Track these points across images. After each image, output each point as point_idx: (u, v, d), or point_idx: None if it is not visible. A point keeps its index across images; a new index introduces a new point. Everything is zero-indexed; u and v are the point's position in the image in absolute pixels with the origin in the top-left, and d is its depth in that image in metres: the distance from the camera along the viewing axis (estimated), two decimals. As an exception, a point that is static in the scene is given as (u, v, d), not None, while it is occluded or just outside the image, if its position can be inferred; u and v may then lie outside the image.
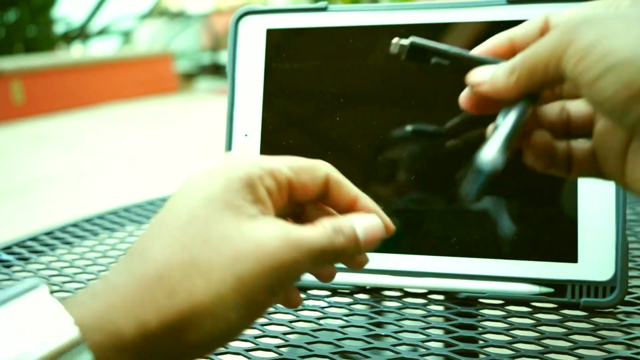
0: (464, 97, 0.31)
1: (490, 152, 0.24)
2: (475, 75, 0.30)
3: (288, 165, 0.29)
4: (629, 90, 0.22)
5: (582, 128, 0.30)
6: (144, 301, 0.23)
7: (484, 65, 0.30)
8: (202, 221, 0.26)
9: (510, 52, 0.30)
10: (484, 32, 0.45)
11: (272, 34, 0.49)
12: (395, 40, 0.31)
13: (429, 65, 0.31)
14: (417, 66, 0.46)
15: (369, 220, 0.30)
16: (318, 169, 0.30)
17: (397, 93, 0.46)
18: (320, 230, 0.27)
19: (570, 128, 0.31)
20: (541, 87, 0.27)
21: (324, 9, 0.48)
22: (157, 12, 8.33)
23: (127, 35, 7.82)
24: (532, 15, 0.43)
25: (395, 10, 0.46)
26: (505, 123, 0.27)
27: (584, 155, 0.30)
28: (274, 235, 0.26)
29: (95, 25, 7.52)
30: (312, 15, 0.48)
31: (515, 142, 0.27)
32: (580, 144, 0.30)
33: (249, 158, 0.29)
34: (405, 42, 0.31)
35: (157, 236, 0.26)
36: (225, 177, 0.27)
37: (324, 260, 0.28)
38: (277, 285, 0.26)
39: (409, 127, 0.32)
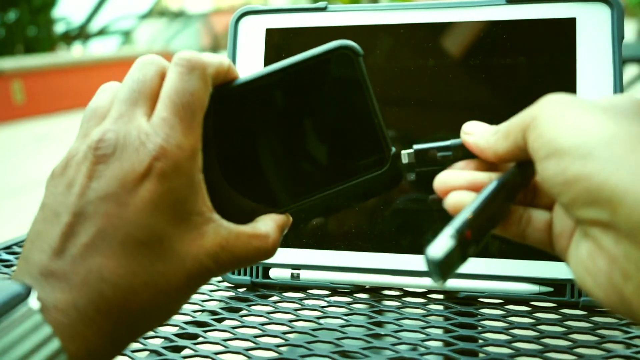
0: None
1: (436, 248, 0.26)
2: (469, 126, 0.32)
3: None
4: (563, 176, 0.25)
5: (546, 199, 0.31)
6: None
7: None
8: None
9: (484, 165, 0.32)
10: (483, 32, 0.45)
11: (271, 34, 0.49)
12: (402, 152, 0.33)
13: (437, 165, 0.33)
14: (417, 67, 0.46)
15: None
16: None
17: (397, 93, 0.46)
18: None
19: (535, 196, 0.32)
20: (517, 152, 0.29)
21: (323, 9, 0.48)
22: (157, 11, 8.33)
23: (127, 35, 7.82)
24: (532, 15, 0.43)
25: (395, 10, 0.47)
26: (475, 200, 0.29)
27: (541, 225, 0.31)
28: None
29: (95, 25, 7.52)
30: (312, 15, 0.48)
31: (493, 217, 0.29)
32: (539, 215, 0.31)
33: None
34: (410, 151, 0.33)
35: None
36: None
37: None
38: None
39: (414, 147, 0.34)
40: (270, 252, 0.31)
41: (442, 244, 0.26)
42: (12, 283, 0.24)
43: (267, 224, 0.31)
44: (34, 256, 0.26)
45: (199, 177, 0.28)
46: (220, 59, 0.30)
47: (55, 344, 0.24)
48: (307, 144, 0.32)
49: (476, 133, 0.31)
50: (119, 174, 0.26)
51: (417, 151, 0.33)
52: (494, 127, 0.31)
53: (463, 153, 0.32)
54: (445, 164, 0.33)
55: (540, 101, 0.28)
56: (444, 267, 0.26)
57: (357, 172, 0.31)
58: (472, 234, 0.27)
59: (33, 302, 0.24)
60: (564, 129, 0.25)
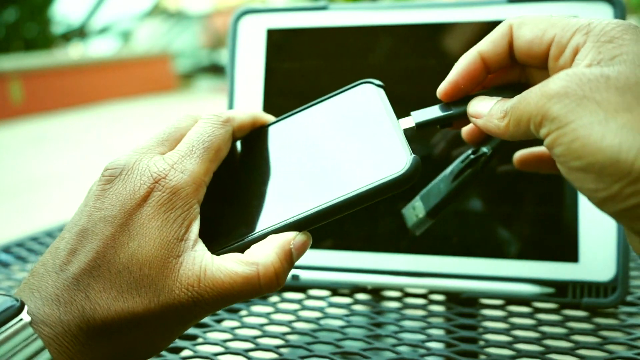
0: (465, 131, 0.36)
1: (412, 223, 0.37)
2: (475, 107, 0.31)
3: None
4: (603, 192, 0.24)
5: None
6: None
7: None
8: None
9: (483, 69, 0.31)
10: (484, 32, 0.44)
11: (272, 34, 0.49)
12: (402, 124, 0.33)
13: (439, 129, 0.33)
14: (417, 67, 0.46)
15: (283, 243, 0.29)
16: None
17: (397, 92, 0.46)
18: (235, 275, 0.27)
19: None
20: (528, 137, 0.28)
21: (324, 8, 0.48)
22: (157, 11, 8.33)
23: (126, 35, 7.82)
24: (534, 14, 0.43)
25: (395, 9, 0.46)
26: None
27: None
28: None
29: (94, 25, 7.52)
30: (312, 14, 0.48)
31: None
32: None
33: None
34: (411, 122, 0.33)
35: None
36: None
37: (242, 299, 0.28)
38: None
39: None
40: (266, 283, 0.28)
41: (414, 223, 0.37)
42: (5, 298, 0.25)
43: (261, 249, 0.28)
44: (46, 267, 0.27)
45: (195, 208, 0.29)
46: (246, 112, 0.34)
47: (46, 356, 0.25)
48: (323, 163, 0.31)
49: (483, 114, 0.30)
50: (120, 195, 0.28)
51: (418, 125, 0.32)
52: (500, 108, 0.29)
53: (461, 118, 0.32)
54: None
55: (542, 93, 0.26)
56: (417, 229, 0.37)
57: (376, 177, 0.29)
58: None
59: (24, 315, 0.25)
60: (595, 145, 0.24)
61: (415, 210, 0.37)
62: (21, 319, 0.25)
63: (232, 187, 0.33)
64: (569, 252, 0.42)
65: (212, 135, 0.30)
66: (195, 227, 0.28)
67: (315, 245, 0.46)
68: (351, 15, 0.47)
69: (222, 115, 0.32)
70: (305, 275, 0.46)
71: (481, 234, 0.44)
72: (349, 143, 0.31)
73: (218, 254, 0.28)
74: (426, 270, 0.45)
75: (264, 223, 0.30)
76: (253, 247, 0.29)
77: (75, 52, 7.18)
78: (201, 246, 0.28)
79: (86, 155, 3.74)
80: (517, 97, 0.28)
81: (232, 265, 0.27)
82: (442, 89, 0.32)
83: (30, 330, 0.25)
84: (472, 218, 0.44)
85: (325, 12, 0.48)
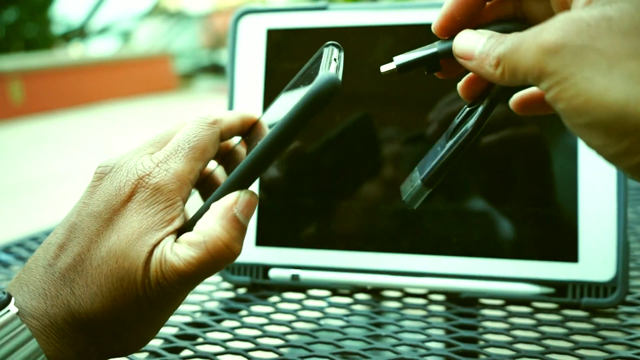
0: (460, 86, 0.31)
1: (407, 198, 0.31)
2: (461, 44, 0.28)
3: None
4: (612, 148, 0.22)
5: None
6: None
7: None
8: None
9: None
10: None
11: (272, 34, 0.49)
12: (382, 68, 0.32)
13: (425, 74, 0.31)
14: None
15: (227, 204, 0.28)
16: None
17: (397, 92, 0.46)
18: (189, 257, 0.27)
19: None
20: (527, 85, 0.26)
21: (324, 9, 0.48)
22: (157, 12, 8.33)
23: (126, 35, 7.82)
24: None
25: (395, 9, 0.46)
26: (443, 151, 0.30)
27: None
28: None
29: (94, 25, 7.52)
30: (312, 14, 0.48)
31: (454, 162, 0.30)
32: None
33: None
34: (392, 66, 0.31)
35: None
36: None
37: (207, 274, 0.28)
38: None
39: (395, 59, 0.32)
40: (220, 257, 0.27)
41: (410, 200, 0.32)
42: None
43: (205, 222, 0.28)
44: (36, 261, 0.29)
45: (179, 205, 0.29)
46: (235, 112, 0.33)
47: (34, 345, 0.26)
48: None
49: (474, 55, 0.27)
50: (107, 192, 0.29)
51: (399, 66, 0.31)
52: (493, 52, 0.26)
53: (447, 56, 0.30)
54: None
55: (546, 47, 0.23)
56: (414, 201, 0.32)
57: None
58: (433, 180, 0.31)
59: (12, 307, 0.26)
60: (599, 99, 0.21)
61: (412, 181, 0.32)
62: (8, 311, 0.26)
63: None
64: (568, 252, 0.42)
65: (198, 135, 0.31)
66: (177, 222, 0.29)
67: (315, 245, 0.46)
68: (351, 16, 0.47)
69: (209, 118, 0.32)
70: (305, 275, 0.46)
71: (481, 234, 0.44)
72: (293, 97, 0.30)
73: (178, 233, 0.29)
74: (426, 270, 0.45)
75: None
76: (199, 221, 0.28)
77: (75, 52, 7.18)
78: (171, 237, 0.28)
79: (86, 155, 3.74)
80: (510, 42, 0.25)
81: (184, 250, 0.27)
82: (436, 24, 0.29)
83: (18, 321, 0.26)
84: (472, 218, 0.44)
85: (325, 13, 0.48)
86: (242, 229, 0.28)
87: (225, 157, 0.34)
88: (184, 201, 0.30)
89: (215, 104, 5.22)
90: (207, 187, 0.33)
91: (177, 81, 6.89)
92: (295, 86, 0.32)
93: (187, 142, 0.30)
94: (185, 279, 0.27)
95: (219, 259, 0.27)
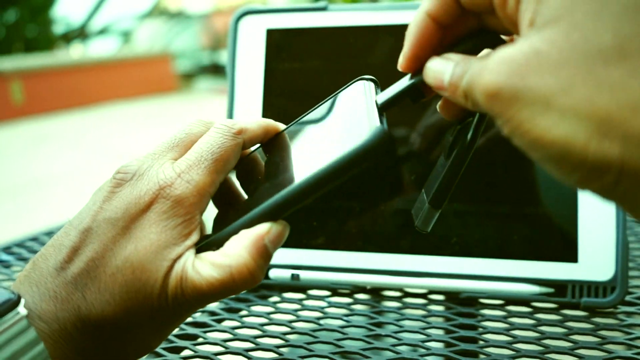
0: (439, 107, 0.31)
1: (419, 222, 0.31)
2: (431, 76, 0.28)
3: None
4: (569, 178, 0.22)
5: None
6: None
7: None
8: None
9: (436, 29, 0.29)
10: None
11: (272, 34, 0.49)
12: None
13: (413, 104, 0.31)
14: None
15: (256, 236, 0.28)
16: None
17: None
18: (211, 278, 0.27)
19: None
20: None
21: (323, 9, 0.48)
22: (157, 12, 8.33)
23: (126, 35, 7.82)
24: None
25: (395, 9, 0.46)
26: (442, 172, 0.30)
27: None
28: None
29: (95, 25, 7.52)
30: (312, 15, 0.48)
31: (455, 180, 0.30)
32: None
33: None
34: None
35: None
36: None
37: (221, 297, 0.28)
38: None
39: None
40: (242, 282, 0.28)
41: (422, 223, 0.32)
42: (3, 291, 0.26)
43: (234, 247, 0.28)
44: (47, 261, 0.28)
45: (197, 218, 0.29)
46: (259, 122, 0.33)
47: (40, 348, 0.26)
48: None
49: (446, 88, 0.26)
50: (126, 199, 0.28)
51: (381, 105, 0.31)
52: (461, 85, 0.25)
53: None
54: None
55: (485, 92, 0.23)
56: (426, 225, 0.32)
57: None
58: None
59: (21, 309, 0.26)
60: (543, 139, 0.21)
61: (420, 203, 0.33)
62: (18, 312, 0.25)
63: (241, 194, 0.33)
64: (568, 252, 0.43)
65: (222, 146, 0.30)
66: (194, 237, 0.29)
67: (315, 245, 0.47)
68: (351, 16, 0.47)
69: (234, 127, 0.31)
70: (305, 275, 0.46)
71: (481, 234, 0.44)
72: (329, 135, 0.31)
73: (197, 248, 0.29)
74: (426, 270, 0.45)
75: (241, 217, 0.30)
76: (227, 244, 0.28)
77: (75, 52, 7.18)
78: (191, 253, 0.28)
79: (86, 155, 3.74)
80: (469, 76, 0.24)
81: (207, 271, 0.27)
82: (402, 65, 0.30)
83: (26, 322, 0.25)
84: (472, 218, 0.44)
85: (325, 13, 0.48)
86: (269, 259, 0.28)
87: (240, 164, 0.33)
88: (202, 214, 0.29)
89: (215, 104, 5.22)
90: (218, 192, 0.32)
91: (177, 81, 6.90)
92: (332, 121, 0.31)
93: (210, 154, 0.30)
94: (204, 298, 0.27)
95: (240, 285, 0.28)
